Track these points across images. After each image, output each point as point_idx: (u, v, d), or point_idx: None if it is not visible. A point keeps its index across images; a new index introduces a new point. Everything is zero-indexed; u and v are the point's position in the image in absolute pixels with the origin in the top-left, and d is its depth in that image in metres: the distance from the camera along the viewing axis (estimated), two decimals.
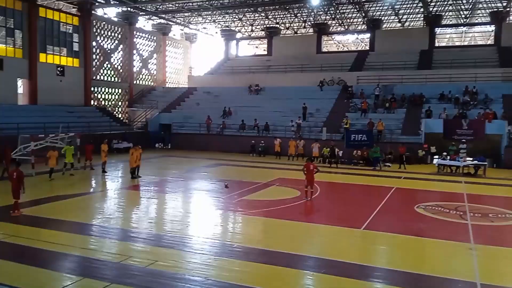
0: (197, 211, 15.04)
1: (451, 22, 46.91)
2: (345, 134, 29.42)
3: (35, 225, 12.28)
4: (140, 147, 21.42)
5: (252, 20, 49.08)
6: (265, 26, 50.19)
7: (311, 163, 16.71)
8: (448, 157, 25.09)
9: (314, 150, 28.71)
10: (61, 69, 36.21)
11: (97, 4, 39.13)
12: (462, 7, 41.70)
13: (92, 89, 40.20)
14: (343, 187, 20.55)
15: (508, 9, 40.22)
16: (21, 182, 13.47)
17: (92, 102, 39.94)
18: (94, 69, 40.26)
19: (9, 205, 14.22)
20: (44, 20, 34.74)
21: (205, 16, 47.40)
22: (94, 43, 40.09)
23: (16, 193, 13.33)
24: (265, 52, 52.55)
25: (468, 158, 24.64)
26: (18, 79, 33.48)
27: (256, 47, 58.58)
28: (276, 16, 47.55)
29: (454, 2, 40.54)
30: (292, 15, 46.31)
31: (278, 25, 49.64)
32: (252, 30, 51.88)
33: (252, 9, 43.91)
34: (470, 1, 40.03)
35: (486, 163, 24.19)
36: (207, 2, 40.75)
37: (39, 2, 34.59)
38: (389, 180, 21.83)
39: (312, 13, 46.17)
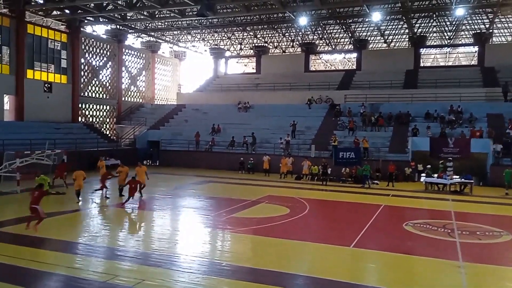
0: (185, 229, 14.87)
1: (435, 43, 48.02)
2: (333, 151, 29.60)
3: (19, 243, 12.00)
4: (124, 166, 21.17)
5: (241, 39, 49.64)
6: (253, 44, 50.75)
7: None
8: (435, 175, 25.35)
9: (304, 168, 28.81)
10: (49, 85, 35.98)
11: (86, 21, 39.21)
12: (446, 28, 42.79)
13: (80, 105, 39.96)
14: (332, 205, 20.55)
15: (490, 30, 41.39)
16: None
17: (79, 119, 39.65)
18: (82, 85, 40.10)
19: None
20: (32, 37, 34.64)
21: (194, 35, 47.83)
22: (82, 60, 40.03)
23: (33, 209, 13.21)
24: (254, 70, 53.00)
25: (455, 176, 24.91)
26: (4, 95, 33.15)
27: (245, 65, 59.09)
28: (265, 35, 48.19)
29: (438, 23, 41.61)
30: (280, 34, 46.99)
31: (266, 44, 50.24)
32: (241, 49, 52.42)
33: (240, 28, 44.46)
34: (453, 23, 41.11)
35: (472, 181, 24.49)
36: (196, 21, 41.13)
37: (27, 19, 34.56)
38: (378, 197, 21.92)
39: (300, 33, 46.89)
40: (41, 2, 34.18)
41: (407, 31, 43.72)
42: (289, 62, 49.23)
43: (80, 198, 18.48)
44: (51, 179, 21.04)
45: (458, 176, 24.90)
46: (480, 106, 34.00)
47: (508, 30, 42.48)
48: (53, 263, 10.22)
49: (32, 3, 34.18)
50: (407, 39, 45.98)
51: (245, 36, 48.60)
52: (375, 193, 23.59)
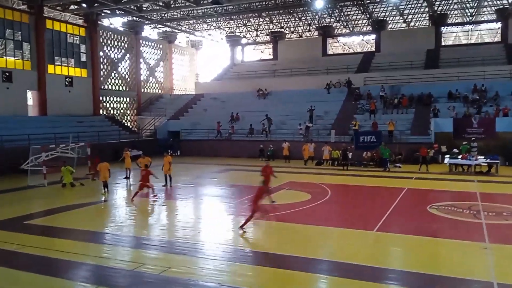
0: (208, 217, 15.04)
1: (457, 21, 46.67)
2: (354, 135, 29.30)
3: (48, 235, 12.38)
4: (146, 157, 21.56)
5: (256, 25, 49.25)
6: (270, 30, 50.33)
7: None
8: (460, 156, 24.86)
9: (324, 153, 28.63)
10: (70, 79, 36.60)
11: (103, 14, 39.54)
12: (468, 5, 41.48)
13: (101, 98, 40.55)
14: (354, 189, 20.42)
15: None
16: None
17: (101, 112, 40.28)
18: (102, 78, 40.63)
19: (21, 216, 14.43)
20: (51, 32, 35.17)
21: (210, 23, 47.69)
22: (101, 53, 40.51)
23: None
24: (271, 57, 52.67)
25: (480, 157, 24.39)
26: (27, 91, 33.86)
27: (262, 51, 58.74)
28: (281, 21, 47.67)
29: (460, 0, 40.34)
30: (297, 18, 46.40)
31: (282, 29, 49.75)
32: (257, 35, 52.07)
33: (256, 14, 44.07)
34: None
35: (498, 161, 23.93)
36: (211, 9, 40.97)
37: (45, 14, 35.03)
38: (401, 181, 21.68)
39: (317, 16, 46.21)
40: None
41: (427, 9, 42.57)
42: (306, 46, 48.71)
43: (106, 190, 18.85)
44: (87, 170, 22.19)
45: (483, 157, 24.36)
46: (505, 84, 33.03)
47: None
48: (82, 253, 10.51)
49: None
50: (427, 18, 44.83)
51: (261, 22, 48.18)
52: (398, 176, 23.32)
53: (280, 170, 26.61)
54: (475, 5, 41.41)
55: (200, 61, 58.61)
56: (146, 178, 17.51)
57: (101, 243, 11.47)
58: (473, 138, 26.04)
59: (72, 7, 37.05)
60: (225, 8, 41.35)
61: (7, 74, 31.52)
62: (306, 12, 44.86)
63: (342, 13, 44.44)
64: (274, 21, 47.12)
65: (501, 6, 40.42)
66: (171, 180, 20.66)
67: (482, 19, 45.81)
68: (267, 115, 35.00)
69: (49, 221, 13.99)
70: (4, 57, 32.04)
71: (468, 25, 47.54)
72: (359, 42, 57.37)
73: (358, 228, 12.73)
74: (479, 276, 8.77)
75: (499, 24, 42.90)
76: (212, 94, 44.90)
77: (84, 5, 36.51)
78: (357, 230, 12.51)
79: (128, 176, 22.88)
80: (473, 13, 43.39)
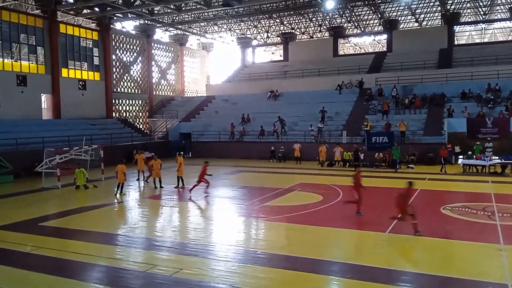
0: (220, 219, 15.08)
1: (469, 20, 46.10)
2: (365, 136, 29.12)
3: (62, 236, 12.53)
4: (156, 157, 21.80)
5: (267, 27, 49.27)
6: (280, 32, 50.30)
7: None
8: (474, 156, 24.54)
9: (336, 154, 28.51)
10: (83, 83, 37.05)
11: (115, 18, 39.95)
12: (481, 3, 40.95)
13: (113, 101, 40.96)
14: (366, 191, 20.23)
15: None
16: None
17: (113, 114, 40.68)
18: (114, 81, 41.05)
19: (36, 218, 14.63)
20: (65, 36, 35.65)
21: (220, 25, 47.86)
22: (113, 56, 40.92)
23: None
24: (282, 58, 52.63)
25: (494, 157, 24.04)
26: (41, 94, 34.36)
27: (273, 53, 58.74)
28: (291, 22, 47.61)
29: None
30: (307, 19, 46.30)
31: (293, 30, 49.68)
32: (267, 37, 52.10)
33: (267, 15, 44.10)
34: None
35: None
36: (222, 11, 41.10)
37: (59, 18, 35.52)
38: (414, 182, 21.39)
39: (327, 17, 46.07)
40: (72, 1, 35.03)
41: (439, 8, 42.11)
42: (317, 47, 48.57)
43: (120, 191, 19.02)
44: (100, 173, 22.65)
45: (497, 157, 24.01)
46: None
47: None
48: (95, 254, 10.62)
49: (63, 3, 35.08)
50: (439, 17, 44.35)
51: (271, 24, 48.20)
52: (411, 177, 23.01)
53: (292, 171, 26.67)
54: (488, 3, 40.85)
55: (211, 63, 58.84)
56: (204, 173, 18.56)
57: (114, 245, 11.59)
58: (488, 138, 25.68)
59: (85, 11, 37.49)
60: (235, 10, 41.46)
61: (22, 78, 32.02)
62: (317, 13, 44.75)
63: (353, 13, 44.23)
64: (285, 22, 47.09)
65: None
66: (183, 181, 20.78)
67: (496, 17, 45.17)
68: (279, 117, 34.98)
69: (63, 223, 14.17)
70: (19, 61, 32.58)
71: (481, 23, 46.92)
72: (371, 42, 57.00)
73: (371, 229, 12.64)
74: (494, 278, 8.65)
75: None
76: (223, 96, 45.02)
77: (96, 9, 36.95)
78: (370, 232, 12.43)
79: (141, 178, 23.00)
80: (486, 12, 42.82)
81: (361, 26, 47.63)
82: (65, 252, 10.87)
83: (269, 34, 51.42)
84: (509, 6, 40.66)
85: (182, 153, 25.22)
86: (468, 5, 41.61)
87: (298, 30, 49.67)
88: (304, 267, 9.52)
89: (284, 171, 26.68)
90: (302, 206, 16.01)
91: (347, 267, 9.57)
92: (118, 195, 18.89)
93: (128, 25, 44.80)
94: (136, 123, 43.62)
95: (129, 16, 39.98)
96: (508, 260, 9.67)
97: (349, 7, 42.28)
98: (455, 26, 44.02)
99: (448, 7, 41.44)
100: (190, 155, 36.82)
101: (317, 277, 8.97)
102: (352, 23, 46.78)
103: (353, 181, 14.60)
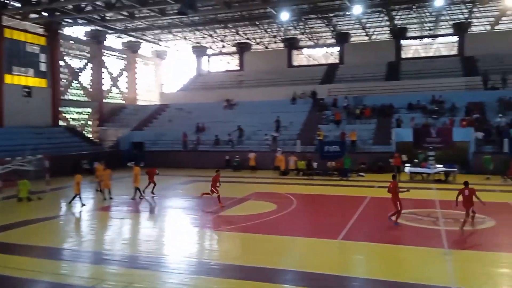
0: (172, 230, 14.77)
1: (416, 34, 48.47)
2: (319, 145, 29.69)
3: (2, 251, 11.75)
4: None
5: (223, 36, 49.31)
6: (236, 41, 50.53)
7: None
8: (420, 165, 25.62)
9: (290, 163, 28.83)
10: (28, 90, 35.30)
11: (64, 23, 38.55)
12: (426, 19, 43.19)
13: (61, 109, 39.30)
14: (318, 199, 20.62)
15: (469, 20, 41.93)
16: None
17: (60, 123, 39.01)
18: (62, 88, 39.43)
19: None
20: (10, 41, 33.94)
21: (175, 33, 47.37)
22: (62, 63, 39.37)
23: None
24: (237, 67, 52.83)
25: (438, 165, 25.22)
26: None
27: (228, 62, 58.80)
28: (247, 32, 47.96)
29: (418, 15, 41.97)
30: (262, 30, 46.83)
31: (248, 41, 50.08)
32: (223, 46, 52.16)
33: (222, 25, 44.17)
34: (433, 14, 41.51)
35: (456, 169, 24.82)
36: (177, 19, 40.74)
37: (4, 23, 33.78)
38: (364, 189, 22.07)
39: (282, 28, 46.82)
40: (18, 5, 33.49)
41: (388, 23, 43.96)
42: (272, 58, 49.26)
43: (70, 202, 18.24)
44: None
45: (441, 165, 25.22)
46: (461, 95, 34.45)
47: (487, 19, 43.06)
48: (38, 270, 10.03)
49: (9, 7, 33.45)
50: (388, 31, 46.28)
51: (227, 33, 48.31)
52: (361, 185, 23.75)
53: (247, 180, 26.65)
54: (434, 19, 43.20)
55: (165, 71, 58.05)
56: (216, 181, 17.63)
57: (59, 259, 11.02)
58: (430, 147, 26.91)
59: (32, 15, 35.92)
60: (191, 18, 41.23)
61: None
62: (271, 24, 45.32)
63: (306, 26, 45.26)
64: (240, 32, 47.38)
65: (458, 21, 42.32)
66: (140, 192, 20.13)
67: (440, 33, 47.79)
68: (239, 126, 34.92)
69: (3, 237, 13.29)
70: None
71: (426, 38, 49.48)
72: (324, 54, 58.43)
73: (323, 237, 12.82)
74: (439, 282, 8.99)
75: (456, 38, 44.90)
76: (178, 104, 44.43)
77: (45, 14, 35.49)
78: (322, 239, 12.60)
79: (100, 189, 21.73)
80: (432, 27, 45.22)
81: (314, 38, 48.80)
82: (5, 268, 10.18)
83: (224, 44, 51.51)
84: (452, 22, 43.20)
85: (139, 163, 24.44)
86: (415, 20, 43.77)
87: (253, 40, 50.13)
88: (258, 276, 9.47)
89: (239, 180, 26.60)
90: (256, 215, 15.99)
91: (300, 275, 9.63)
92: (80, 206, 18.03)
93: (79, 31, 43.37)
94: (84, 132, 42.07)
95: (80, 21, 38.73)
96: (452, 264, 10.11)
97: (302, 19, 43.23)
98: (402, 40, 46.14)
99: (396, 22, 43.38)
100: (142, 165, 35.78)
101: (270, 286, 8.94)
102: (305, 35, 47.84)
103: (391, 191, 14.35)
